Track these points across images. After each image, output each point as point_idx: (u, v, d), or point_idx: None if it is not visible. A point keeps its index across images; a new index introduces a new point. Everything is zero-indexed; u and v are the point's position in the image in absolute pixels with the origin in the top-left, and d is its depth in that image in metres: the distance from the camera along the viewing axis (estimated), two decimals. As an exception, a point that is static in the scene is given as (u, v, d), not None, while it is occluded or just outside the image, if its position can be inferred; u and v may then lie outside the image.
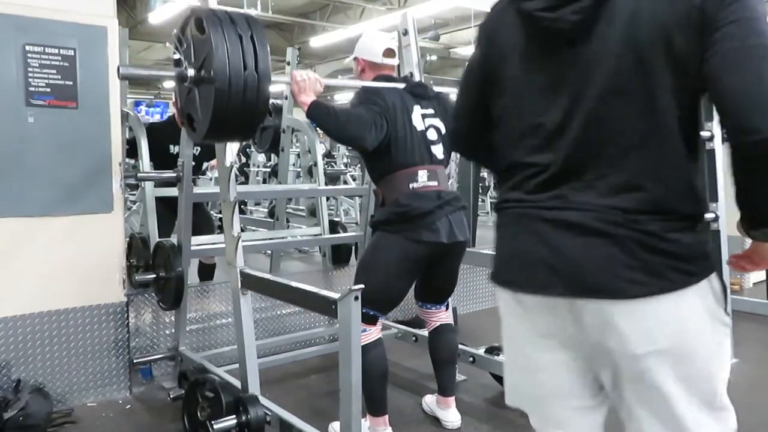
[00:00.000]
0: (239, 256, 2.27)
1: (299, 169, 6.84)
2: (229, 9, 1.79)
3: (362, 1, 9.32)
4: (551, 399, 1.14)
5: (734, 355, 2.94)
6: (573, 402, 1.12)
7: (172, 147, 3.73)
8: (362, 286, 1.75)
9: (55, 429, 2.49)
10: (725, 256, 2.97)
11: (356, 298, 1.73)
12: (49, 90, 2.53)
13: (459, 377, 2.98)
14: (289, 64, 4.56)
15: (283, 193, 4.62)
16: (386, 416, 2.33)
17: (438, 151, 2.35)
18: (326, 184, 5.02)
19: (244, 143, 7.06)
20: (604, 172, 1.01)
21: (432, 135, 2.35)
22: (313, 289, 1.97)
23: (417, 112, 2.33)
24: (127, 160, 2.80)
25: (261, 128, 4.17)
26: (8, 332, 2.52)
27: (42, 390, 2.52)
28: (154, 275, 2.83)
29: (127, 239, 2.99)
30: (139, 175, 2.98)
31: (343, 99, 17.99)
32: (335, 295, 1.81)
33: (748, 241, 1.06)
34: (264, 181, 7.93)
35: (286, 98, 4.63)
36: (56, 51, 2.53)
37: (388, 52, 2.44)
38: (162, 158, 3.65)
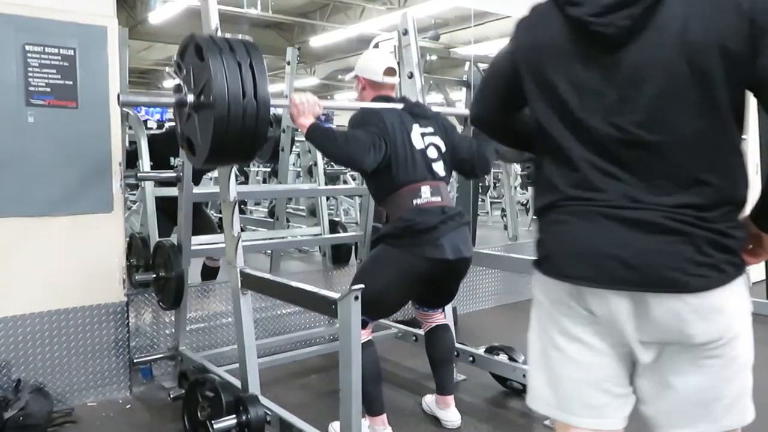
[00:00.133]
0: (239, 256, 2.28)
1: (299, 169, 6.84)
2: (228, 36, 1.84)
3: (362, 1, 9.32)
4: (590, 387, 1.19)
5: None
6: (614, 389, 1.19)
7: (173, 159, 3.73)
8: (362, 286, 1.75)
9: (55, 429, 2.49)
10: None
11: (356, 298, 1.73)
12: (49, 90, 2.53)
13: (459, 377, 2.99)
14: (289, 63, 4.57)
15: (283, 193, 4.62)
16: (384, 415, 2.34)
17: (439, 168, 2.36)
18: (326, 184, 5.03)
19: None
20: (667, 170, 1.08)
21: (432, 153, 2.36)
22: (313, 289, 1.98)
23: (416, 131, 2.35)
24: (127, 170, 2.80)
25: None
26: (8, 332, 2.52)
27: (42, 390, 2.52)
28: (154, 275, 2.83)
29: (127, 239, 2.99)
30: (139, 175, 2.99)
31: (342, 98, 18.02)
32: (335, 295, 1.82)
33: None
34: (264, 181, 7.93)
35: (286, 98, 4.63)
36: (56, 51, 2.53)
37: (389, 71, 2.46)
38: (163, 170, 3.64)
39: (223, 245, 2.34)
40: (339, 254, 4.33)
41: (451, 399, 2.56)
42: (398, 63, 3.08)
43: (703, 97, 1.05)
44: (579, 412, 1.20)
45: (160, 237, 3.24)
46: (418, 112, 2.42)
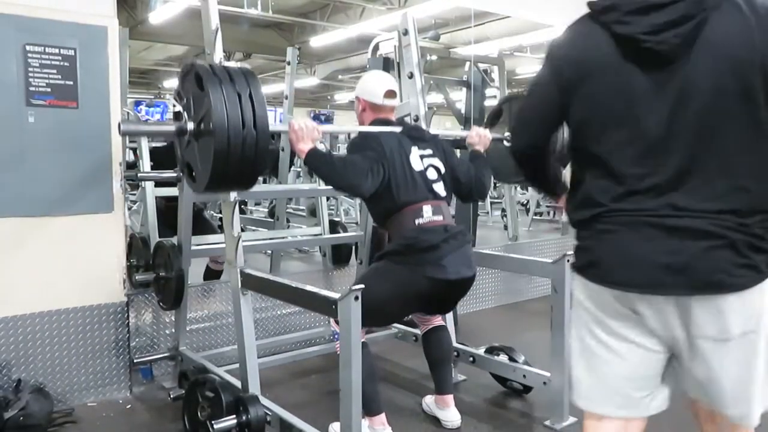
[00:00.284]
0: (239, 256, 2.28)
1: (299, 169, 6.84)
2: (228, 64, 1.87)
3: (362, 1, 9.30)
4: (632, 382, 1.30)
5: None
6: (651, 383, 1.31)
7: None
8: (362, 286, 1.75)
9: (55, 429, 2.49)
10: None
11: (356, 298, 1.74)
12: (49, 90, 2.53)
13: (459, 377, 2.99)
14: (289, 63, 4.57)
15: (283, 193, 4.62)
16: (383, 415, 2.34)
17: (440, 188, 2.38)
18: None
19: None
20: (709, 178, 1.16)
21: (432, 174, 2.38)
22: (314, 289, 1.98)
23: (415, 153, 2.37)
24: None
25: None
26: (8, 332, 2.52)
27: (42, 390, 2.52)
28: (155, 275, 2.83)
29: (127, 239, 2.99)
30: (139, 175, 2.99)
31: (342, 99, 18.01)
32: (335, 295, 1.82)
33: None
34: (264, 181, 7.92)
35: (286, 98, 4.64)
36: (56, 51, 2.53)
37: (389, 94, 2.48)
38: (163, 182, 3.64)
39: (224, 245, 2.34)
40: (339, 254, 4.32)
41: (450, 399, 2.56)
42: (398, 63, 3.09)
43: (747, 110, 1.14)
44: (619, 404, 1.31)
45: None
46: (416, 135, 2.45)
